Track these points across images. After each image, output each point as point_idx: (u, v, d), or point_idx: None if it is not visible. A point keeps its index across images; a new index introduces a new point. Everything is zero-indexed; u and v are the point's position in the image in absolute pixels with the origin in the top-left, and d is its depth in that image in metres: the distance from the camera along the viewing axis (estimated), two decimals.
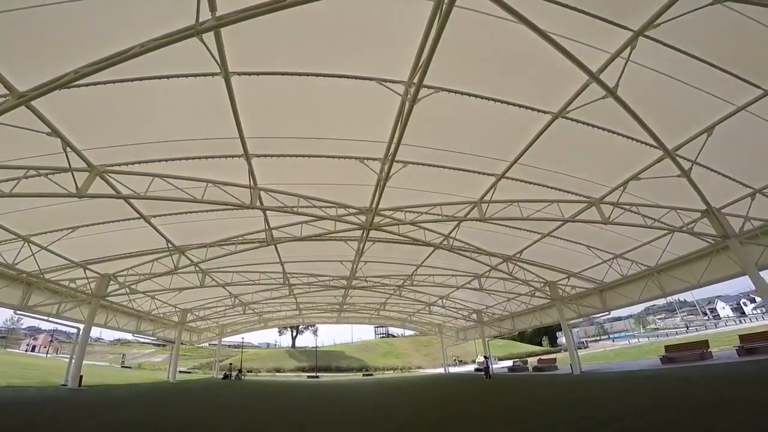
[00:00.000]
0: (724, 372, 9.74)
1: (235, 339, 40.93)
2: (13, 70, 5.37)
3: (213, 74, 5.91)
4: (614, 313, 18.73)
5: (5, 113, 5.34)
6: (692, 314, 67.20)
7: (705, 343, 17.30)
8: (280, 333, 74.56)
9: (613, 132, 7.47)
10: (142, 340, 27.85)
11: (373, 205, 9.53)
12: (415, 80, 5.74)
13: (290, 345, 71.07)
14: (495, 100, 6.83)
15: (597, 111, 6.73)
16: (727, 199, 9.60)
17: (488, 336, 26.97)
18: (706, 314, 65.62)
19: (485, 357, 22.92)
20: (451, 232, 12.22)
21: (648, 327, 66.15)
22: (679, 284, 13.30)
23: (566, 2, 5.12)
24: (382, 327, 72.59)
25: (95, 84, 5.79)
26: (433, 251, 14.40)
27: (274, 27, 5.35)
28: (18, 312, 13.75)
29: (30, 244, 10.95)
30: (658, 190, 9.22)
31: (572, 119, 7.17)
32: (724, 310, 65.15)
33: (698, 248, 11.90)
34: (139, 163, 8.12)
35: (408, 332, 56.75)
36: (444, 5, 4.50)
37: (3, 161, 7.34)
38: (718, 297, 68.35)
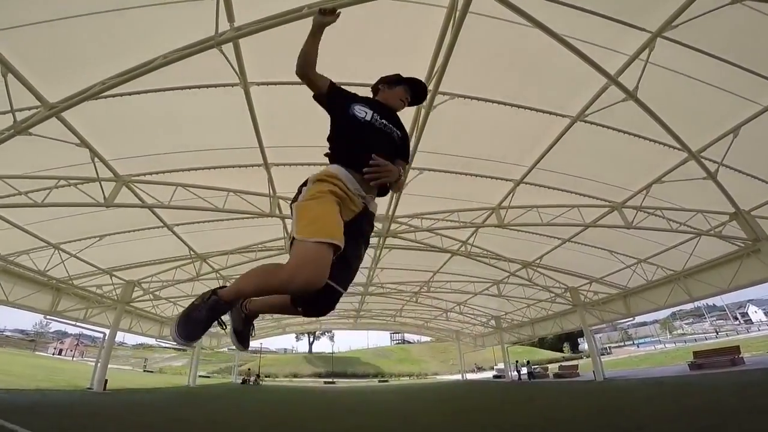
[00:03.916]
0: (757, 378, 9.32)
1: (254, 344, 41.44)
2: (43, 81, 5.57)
3: (233, 85, 6.06)
4: (639, 318, 18.17)
5: (38, 124, 5.61)
6: (722, 319, 64.65)
7: (736, 349, 16.66)
8: (298, 339, 75.29)
9: (635, 135, 7.31)
10: (163, 344, 28.48)
11: (390, 213, 9.56)
12: (430, 87, 5.78)
13: (307, 351, 71.58)
14: (512, 105, 6.79)
15: (617, 114, 6.62)
16: (757, 200, 9.21)
17: (507, 342, 26.54)
18: (737, 319, 63.05)
19: (527, 362, 24.01)
20: (468, 239, 12.13)
21: (675, 332, 63.88)
22: (708, 289, 12.82)
23: (581, 5, 5.07)
24: (398, 333, 72.33)
25: (121, 95, 6.01)
26: (450, 258, 14.29)
27: (290, 38, 5.45)
28: (48, 317, 14.26)
29: (60, 251, 11.39)
30: (683, 193, 8.96)
31: (591, 122, 7.06)
32: (756, 314, 62.29)
33: (727, 252, 11.45)
34: (163, 172, 8.38)
35: (424, 338, 56.38)
36: (457, 12, 4.53)
37: (36, 172, 7.70)
38: (750, 301, 65.50)
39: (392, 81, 2.23)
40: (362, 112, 1.92)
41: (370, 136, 1.87)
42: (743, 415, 4.29)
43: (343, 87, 2.05)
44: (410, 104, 2.26)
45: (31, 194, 7.76)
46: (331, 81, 2.00)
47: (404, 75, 2.27)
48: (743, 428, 3.67)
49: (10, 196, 7.67)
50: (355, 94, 2.04)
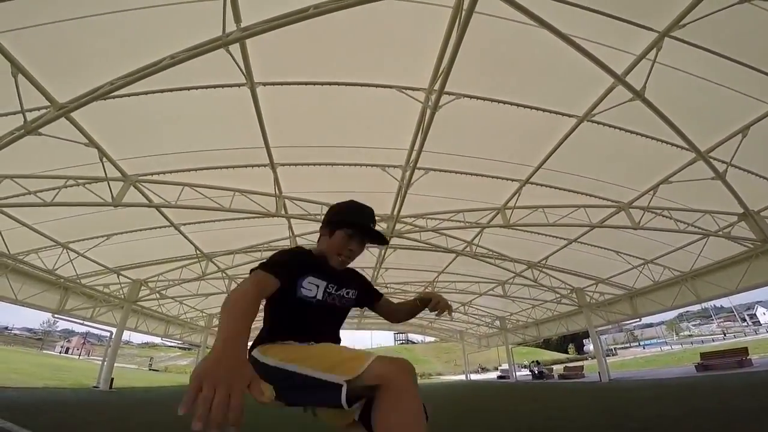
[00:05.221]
0: (765, 379, 9.22)
1: None
2: (52, 82, 5.63)
3: (239, 85, 6.08)
4: (645, 320, 18.05)
5: (47, 125, 5.67)
6: (730, 320, 64.05)
7: (744, 350, 16.53)
8: None
9: (642, 135, 7.26)
10: (169, 343, 28.66)
11: (395, 213, 9.55)
12: (436, 87, 5.76)
13: None
14: (518, 105, 6.77)
15: (624, 114, 6.57)
16: (767, 201, 9.14)
17: (512, 343, 26.45)
18: (745, 320, 62.44)
19: (537, 362, 24.53)
20: (474, 239, 12.10)
21: (681, 334, 63.32)
22: (716, 290, 12.71)
23: (587, 5, 5.04)
24: (402, 333, 72.19)
25: (129, 95, 6.05)
26: (455, 258, 14.27)
27: (296, 38, 5.48)
28: (55, 315, 14.41)
29: (68, 250, 11.51)
30: (691, 193, 8.89)
31: (598, 122, 7.02)
32: (764, 315, 61.70)
33: (736, 253, 11.36)
34: (170, 172, 8.44)
35: (428, 338, 56.34)
36: (463, 12, 4.51)
37: (45, 171, 7.78)
38: (759, 302, 64.80)
39: (333, 222, 1.58)
40: (311, 289, 1.51)
41: (318, 317, 1.56)
42: (751, 416, 4.25)
43: (298, 251, 1.54)
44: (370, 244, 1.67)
45: (40, 194, 7.85)
46: (285, 268, 1.37)
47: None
48: (750, 429, 3.64)
49: (19, 195, 7.77)
50: (304, 260, 1.52)
